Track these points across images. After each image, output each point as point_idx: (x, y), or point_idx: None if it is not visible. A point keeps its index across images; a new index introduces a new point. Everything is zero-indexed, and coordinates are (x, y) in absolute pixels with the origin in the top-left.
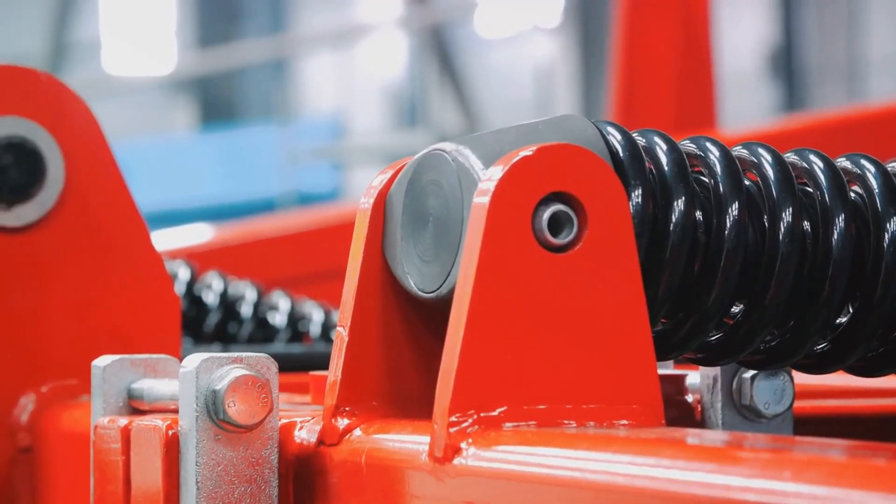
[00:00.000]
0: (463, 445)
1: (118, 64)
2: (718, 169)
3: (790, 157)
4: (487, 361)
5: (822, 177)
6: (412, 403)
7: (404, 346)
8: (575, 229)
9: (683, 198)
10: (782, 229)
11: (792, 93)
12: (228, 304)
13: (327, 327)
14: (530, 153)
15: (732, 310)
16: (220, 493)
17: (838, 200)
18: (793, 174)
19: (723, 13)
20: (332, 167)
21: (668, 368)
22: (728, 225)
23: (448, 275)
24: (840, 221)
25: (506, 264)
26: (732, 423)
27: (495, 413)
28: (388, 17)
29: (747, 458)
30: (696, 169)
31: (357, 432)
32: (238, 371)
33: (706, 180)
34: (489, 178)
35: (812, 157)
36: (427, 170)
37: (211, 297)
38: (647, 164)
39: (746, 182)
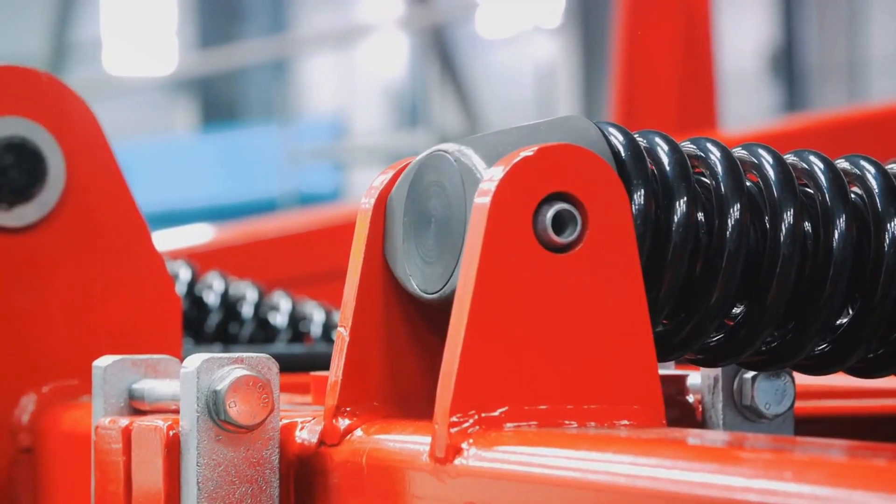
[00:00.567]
0: (464, 446)
1: (119, 64)
2: (720, 170)
3: (790, 158)
4: (489, 362)
5: (822, 178)
6: (413, 404)
7: (405, 347)
8: (576, 229)
9: (685, 198)
10: (783, 230)
11: (793, 93)
12: (229, 305)
13: (328, 328)
14: (531, 153)
15: (734, 311)
16: (221, 493)
17: (839, 201)
18: (794, 175)
19: (724, 14)
20: (333, 167)
21: (669, 369)
22: (729, 226)
23: (451, 276)
24: (841, 222)
25: (507, 264)
26: (733, 423)
27: (496, 413)
28: (389, 18)
29: (748, 458)
30: (698, 170)
31: (358, 433)
32: (239, 371)
33: (708, 181)
34: (490, 178)
35: (812, 158)
36: (429, 171)
37: (212, 298)
38: (648, 164)
39: (748, 183)
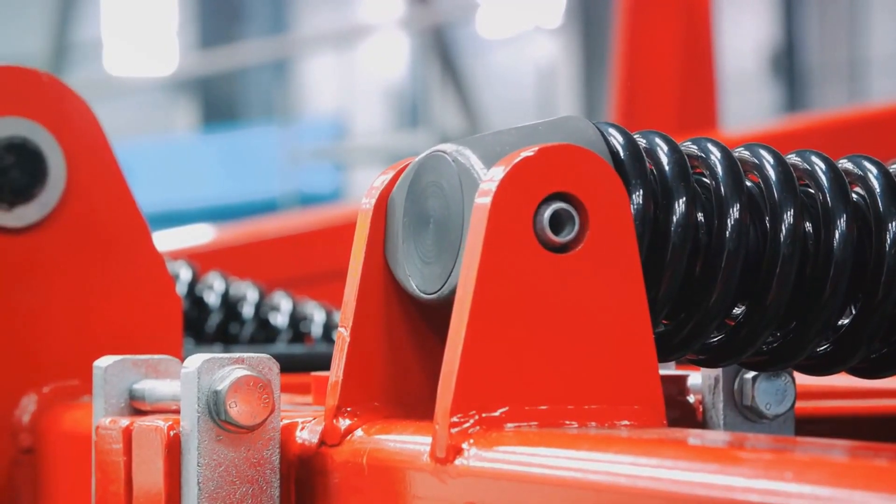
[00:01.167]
0: (464, 446)
1: (119, 64)
2: (719, 170)
3: (791, 158)
4: (489, 362)
5: (823, 178)
6: (414, 404)
7: (406, 347)
8: (576, 229)
9: (684, 198)
10: (784, 230)
11: (793, 93)
12: (230, 305)
13: (329, 328)
14: (532, 153)
15: (734, 311)
16: (221, 493)
17: (840, 201)
18: (794, 175)
19: (724, 14)
20: (334, 168)
21: (669, 369)
22: (729, 226)
23: (449, 276)
24: (842, 222)
25: (507, 264)
26: (734, 423)
27: (497, 413)
28: (390, 18)
29: (749, 458)
30: (698, 170)
31: (359, 433)
32: (240, 372)
33: (707, 181)
34: (490, 178)
35: (813, 159)
36: (428, 171)
37: (212, 298)
38: (648, 165)
39: (748, 183)
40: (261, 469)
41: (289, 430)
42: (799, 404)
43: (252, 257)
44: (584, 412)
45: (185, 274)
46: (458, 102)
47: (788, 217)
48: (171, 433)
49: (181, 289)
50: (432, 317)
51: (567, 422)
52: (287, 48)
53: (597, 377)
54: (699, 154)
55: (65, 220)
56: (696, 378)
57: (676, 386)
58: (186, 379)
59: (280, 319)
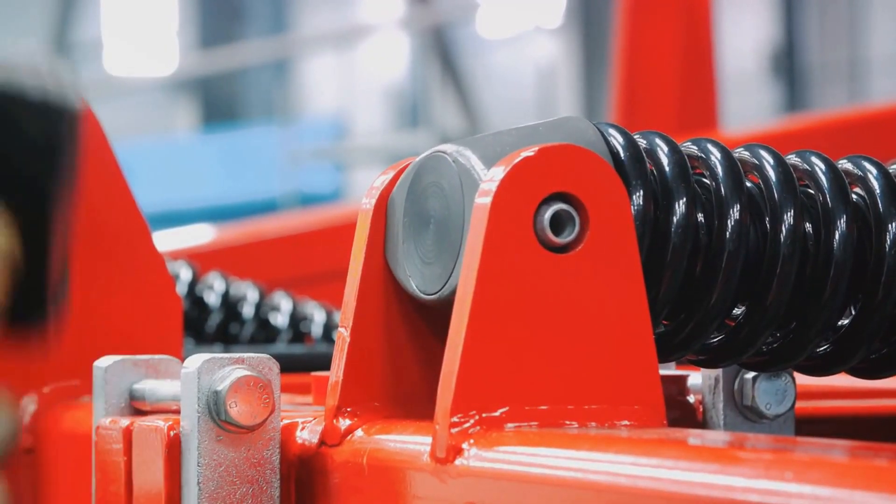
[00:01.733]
0: (465, 446)
1: (120, 64)
2: (720, 170)
3: (791, 158)
4: (489, 362)
5: (823, 178)
6: (414, 404)
7: (406, 347)
8: (576, 229)
9: (685, 199)
10: (784, 231)
11: (794, 93)
12: (230, 305)
13: (329, 328)
14: (532, 154)
15: (735, 311)
16: (221, 493)
17: (840, 202)
18: (794, 176)
19: (724, 14)
20: (334, 168)
21: (669, 369)
22: (729, 226)
23: (449, 276)
24: (842, 223)
25: (507, 264)
26: (734, 423)
27: (497, 414)
28: (390, 18)
29: (749, 458)
30: (698, 171)
31: (359, 433)
32: (240, 372)
33: (707, 182)
34: (491, 178)
35: (813, 159)
36: (428, 172)
37: (213, 298)
38: (648, 165)
39: (748, 184)
40: (261, 469)
41: (289, 430)
42: (799, 404)
43: (252, 257)
44: (585, 412)
45: (185, 274)
46: (458, 102)
47: (788, 217)
48: (172, 433)
49: (181, 289)
50: (432, 317)
51: (567, 422)
52: (287, 48)
53: (597, 377)
54: (699, 154)
55: None
56: (697, 378)
57: (676, 386)
58: (186, 379)
59: (280, 319)
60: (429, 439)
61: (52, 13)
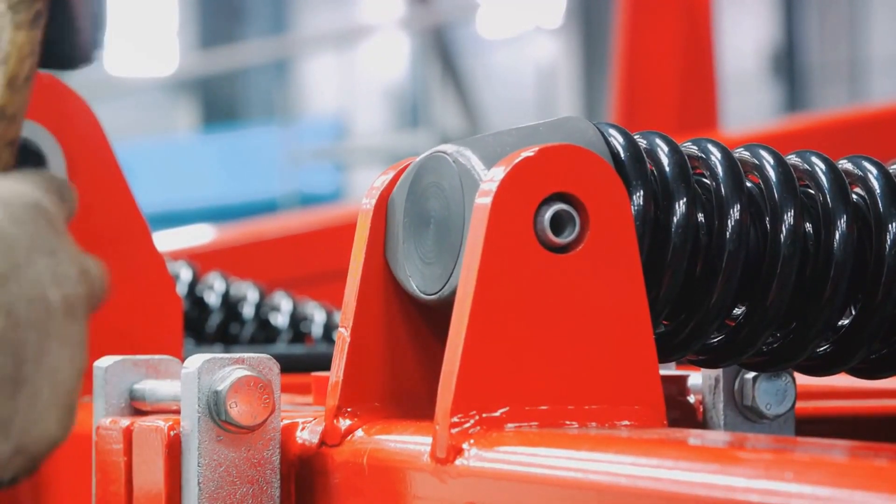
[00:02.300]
0: (465, 446)
1: (120, 65)
2: (720, 171)
3: (792, 158)
4: (489, 362)
5: (823, 178)
6: (414, 404)
7: (406, 347)
8: (577, 229)
9: (685, 199)
10: (784, 231)
11: (794, 94)
12: (230, 305)
13: (329, 328)
14: (532, 154)
15: (735, 311)
16: (222, 493)
17: (840, 202)
18: (794, 176)
19: (725, 14)
20: (334, 168)
21: (670, 369)
22: (730, 227)
23: (449, 277)
24: (842, 223)
25: (508, 265)
26: (734, 423)
27: (497, 414)
28: (390, 18)
29: (749, 458)
30: (698, 171)
31: (359, 433)
32: (240, 372)
33: (708, 182)
34: (491, 178)
35: (814, 159)
36: (428, 172)
37: (213, 298)
38: (648, 165)
39: (748, 184)
40: (261, 469)
41: (289, 431)
42: (799, 404)
43: (252, 257)
44: (585, 412)
45: (185, 274)
46: (459, 102)
47: (789, 218)
48: (172, 433)
49: (181, 289)
50: (432, 317)
51: (567, 422)
52: (287, 48)
53: (597, 377)
54: (699, 155)
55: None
56: (697, 378)
57: (677, 386)
58: (187, 379)
59: (280, 320)
60: (429, 439)
61: None
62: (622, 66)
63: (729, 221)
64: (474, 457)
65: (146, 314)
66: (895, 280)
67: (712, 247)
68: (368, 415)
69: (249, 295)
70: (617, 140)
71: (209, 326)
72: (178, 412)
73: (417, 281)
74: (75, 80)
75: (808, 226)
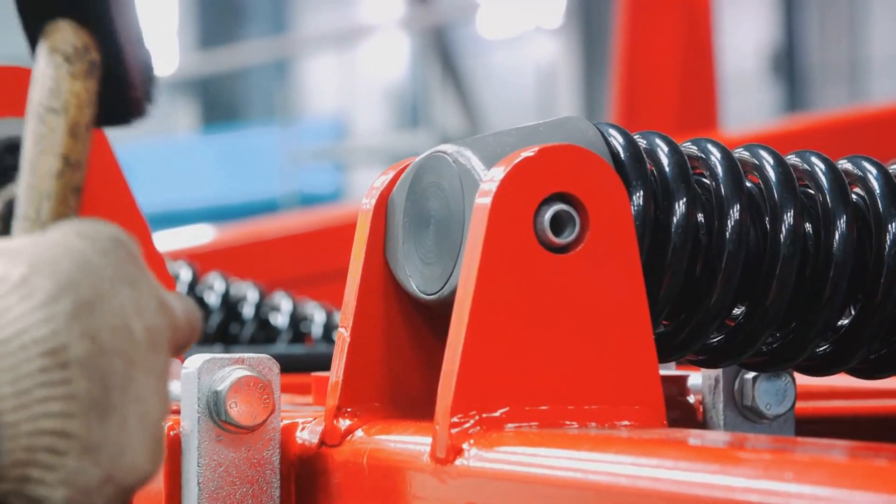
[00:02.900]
0: (465, 446)
1: None
2: (720, 171)
3: (792, 158)
4: (489, 362)
5: (823, 179)
6: (414, 404)
7: (406, 347)
8: (577, 230)
9: (685, 199)
10: (784, 231)
11: (794, 94)
12: (230, 305)
13: (329, 328)
14: (532, 154)
15: (735, 311)
16: (221, 493)
17: (840, 202)
18: (794, 176)
19: (724, 14)
20: (334, 168)
21: (669, 369)
22: (729, 227)
23: (449, 276)
24: (842, 223)
25: (507, 265)
26: (734, 424)
27: (497, 414)
28: (390, 18)
29: (749, 458)
30: (698, 171)
31: (359, 433)
32: (240, 372)
33: (708, 182)
34: (491, 178)
35: (813, 159)
36: (428, 172)
37: (213, 298)
38: (648, 165)
39: (748, 184)
40: (261, 469)
41: (289, 431)
42: (799, 404)
43: (252, 257)
44: (585, 412)
45: (185, 274)
46: (459, 102)
47: (788, 218)
48: (172, 433)
49: (181, 289)
50: (432, 317)
51: (567, 422)
52: (287, 48)
53: (597, 377)
54: (699, 155)
55: None
56: (697, 378)
57: (676, 386)
58: (187, 379)
59: (280, 320)
60: (429, 439)
61: None
62: (622, 66)
63: (729, 221)
64: (474, 457)
65: None
66: (895, 280)
67: (712, 247)
68: (368, 415)
69: (249, 295)
70: (617, 140)
71: (209, 326)
72: (177, 412)
73: (417, 281)
74: None
75: (808, 226)
